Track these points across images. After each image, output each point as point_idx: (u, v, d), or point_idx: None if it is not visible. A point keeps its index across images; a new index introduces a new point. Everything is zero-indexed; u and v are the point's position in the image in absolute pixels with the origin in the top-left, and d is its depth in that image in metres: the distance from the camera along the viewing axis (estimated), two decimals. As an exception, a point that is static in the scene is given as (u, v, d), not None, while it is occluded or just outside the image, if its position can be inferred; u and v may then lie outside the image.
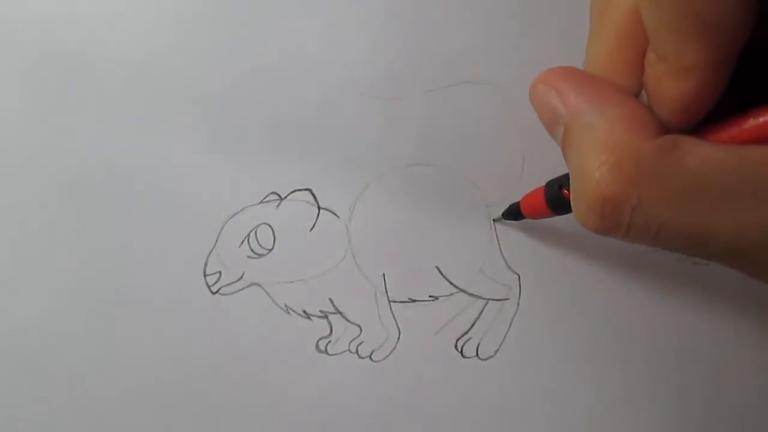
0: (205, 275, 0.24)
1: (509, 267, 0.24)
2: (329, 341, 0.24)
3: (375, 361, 0.24)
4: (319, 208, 0.25)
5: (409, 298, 0.24)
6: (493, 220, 0.25)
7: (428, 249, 0.24)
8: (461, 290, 0.24)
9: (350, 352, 0.24)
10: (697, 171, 0.16)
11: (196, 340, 0.24)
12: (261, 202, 0.25)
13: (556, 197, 0.21)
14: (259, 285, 0.24)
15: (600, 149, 0.18)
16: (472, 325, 0.24)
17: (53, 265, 0.24)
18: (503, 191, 0.25)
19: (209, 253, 0.24)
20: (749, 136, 0.17)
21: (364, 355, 0.24)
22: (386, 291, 0.24)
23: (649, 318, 0.24)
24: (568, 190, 0.19)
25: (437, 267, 0.24)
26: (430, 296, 0.24)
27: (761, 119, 0.17)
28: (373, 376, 0.24)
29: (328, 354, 0.24)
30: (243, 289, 0.24)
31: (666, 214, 0.17)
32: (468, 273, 0.24)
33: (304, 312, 0.24)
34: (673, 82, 0.17)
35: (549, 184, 0.22)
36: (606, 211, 0.17)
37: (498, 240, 0.25)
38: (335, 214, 0.25)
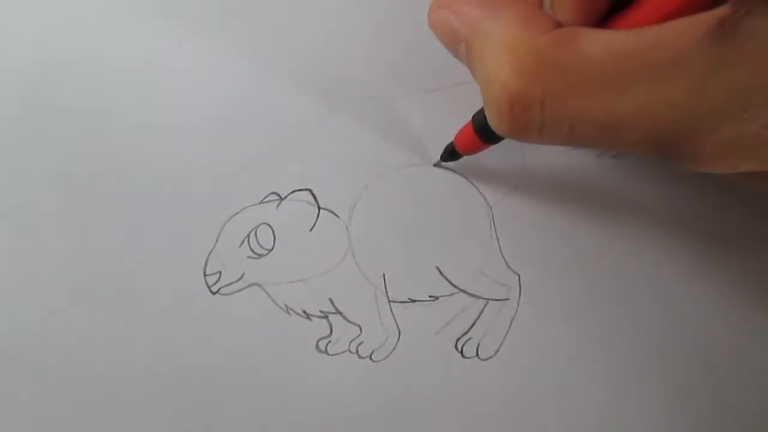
0: (205, 275, 0.24)
1: (509, 267, 0.24)
2: (329, 341, 0.24)
3: (375, 361, 0.24)
4: (319, 208, 0.25)
5: (409, 298, 0.24)
6: (434, 165, 0.25)
7: (428, 249, 0.24)
8: (461, 290, 0.24)
9: (350, 352, 0.24)
10: (598, 58, 0.16)
11: (196, 340, 0.24)
12: (261, 202, 0.25)
13: (483, 125, 0.21)
14: (259, 285, 0.24)
15: (499, 52, 0.17)
16: (472, 325, 0.24)
17: (53, 265, 0.24)
18: (503, 191, 0.25)
19: (209, 253, 0.24)
20: (644, 18, 0.17)
21: (364, 355, 0.24)
22: (386, 291, 0.24)
23: (650, 318, 0.24)
24: None
25: (437, 267, 0.24)
26: (430, 296, 0.24)
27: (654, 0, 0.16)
28: (373, 376, 0.24)
29: (328, 354, 0.24)
30: (243, 289, 0.24)
31: (575, 106, 0.17)
32: (468, 273, 0.24)
33: (304, 312, 0.24)
34: None
35: (475, 114, 0.22)
36: (516, 111, 0.17)
37: (498, 240, 0.25)
38: (335, 214, 0.25)
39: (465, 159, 0.25)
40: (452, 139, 0.24)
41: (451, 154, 0.24)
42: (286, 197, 0.25)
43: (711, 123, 0.16)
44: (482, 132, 0.22)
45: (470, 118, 0.22)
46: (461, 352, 0.24)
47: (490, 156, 0.25)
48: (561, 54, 0.16)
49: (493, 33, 0.18)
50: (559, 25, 0.18)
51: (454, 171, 0.25)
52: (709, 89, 0.15)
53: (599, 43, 0.16)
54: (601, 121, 0.16)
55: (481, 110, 0.21)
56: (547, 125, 0.17)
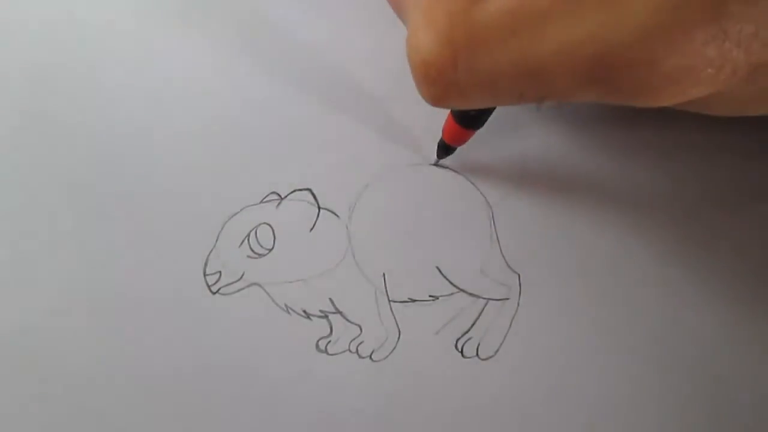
0: (205, 275, 0.24)
1: (509, 267, 0.24)
2: (329, 341, 0.24)
3: (375, 361, 0.24)
4: (319, 208, 0.25)
5: (409, 298, 0.24)
6: (432, 164, 0.25)
7: (428, 249, 0.24)
8: (461, 290, 0.24)
9: (350, 351, 0.24)
10: (509, 6, 0.15)
11: (196, 340, 0.24)
12: (261, 202, 0.25)
13: (458, 111, 0.21)
14: (259, 285, 0.24)
15: (418, 16, 0.17)
16: (472, 325, 0.24)
17: (53, 265, 0.24)
18: (503, 191, 0.25)
19: (209, 253, 0.24)
20: None
21: (364, 355, 0.24)
22: (386, 291, 0.24)
23: (651, 318, 0.24)
24: None
25: (437, 267, 0.24)
26: (430, 296, 0.24)
27: None
28: (373, 375, 0.24)
29: (328, 354, 0.24)
30: (243, 289, 0.24)
31: (490, 59, 0.16)
32: (468, 273, 0.24)
33: (304, 312, 0.24)
34: None
35: None
36: (432, 76, 0.17)
37: (498, 240, 0.25)
38: (335, 214, 0.25)
39: (465, 158, 0.25)
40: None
41: (443, 148, 0.24)
42: (286, 197, 0.25)
43: (643, 49, 0.15)
44: (460, 119, 0.22)
45: None
46: (461, 352, 0.24)
47: (490, 156, 0.25)
48: (472, 12, 0.16)
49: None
50: None
51: (455, 171, 0.25)
52: (632, 13, 0.14)
53: None
54: (523, 67, 0.16)
55: None
56: (466, 85, 0.17)
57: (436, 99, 0.17)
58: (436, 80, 0.17)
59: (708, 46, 0.15)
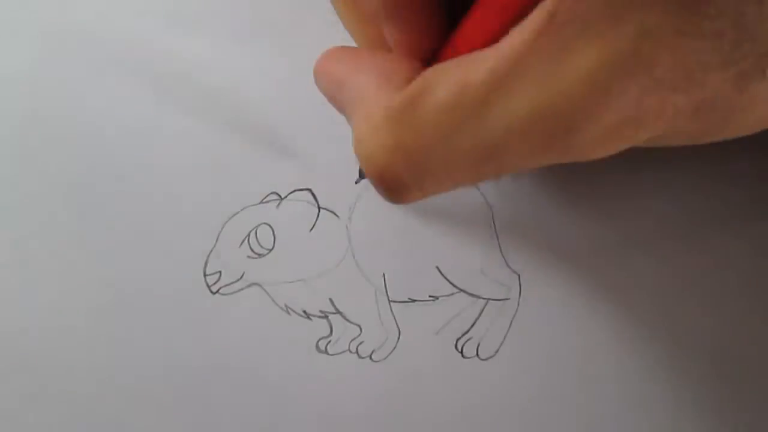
0: (205, 275, 0.24)
1: (509, 267, 0.24)
2: (329, 341, 0.24)
3: (375, 361, 0.24)
4: (319, 208, 0.25)
5: (409, 298, 0.24)
6: (355, 182, 0.25)
7: (428, 249, 0.24)
8: (461, 290, 0.24)
9: (350, 352, 0.24)
10: (449, 99, 0.16)
11: (196, 340, 0.24)
12: (261, 202, 0.25)
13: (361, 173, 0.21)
14: (259, 285, 0.24)
15: (359, 121, 0.17)
16: (472, 325, 0.24)
17: (53, 265, 0.24)
18: (503, 191, 0.25)
19: (209, 253, 0.24)
20: (482, 28, 0.17)
21: (364, 355, 0.24)
22: (386, 291, 0.24)
23: (651, 317, 0.24)
24: None
25: (437, 267, 0.24)
26: (430, 296, 0.24)
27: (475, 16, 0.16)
28: (373, 376, 0.24)
29: (328, 354, 0.24)
30: (243, 289, 0.24)
31: (442, 155, 0.16)
32: (468, 273, 0.24)
33: (304, 312, 0.24)
34: (367, 3, 0.17)
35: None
36: (387, 182, 0.17)
37: (498, 240, 0.25)
38: (335, 214, 0.25)
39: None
40: None
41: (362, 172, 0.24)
42: (286, 197, 0.25)
43: (586, 112, 0.15)
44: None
45: None
46: (461, 352, 0.24)
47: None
48: (413, 112, 0.16)
49: (352, 99, 0.18)
50: (417, 71, 0.17)
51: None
52: (568, 82, 0.15)
53: (446, 83, 0.16)
54: (476, 154, 0.16)
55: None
56: (423, 182, 0.17)
57: (396, 201, 0.18)
58: (393, 186, 0.17)
59: (645, 96, 0.15)
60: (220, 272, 0.24)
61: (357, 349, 0.24)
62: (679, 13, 0.15)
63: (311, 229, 0.25)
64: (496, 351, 0.24)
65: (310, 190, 0.25)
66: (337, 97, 0.19)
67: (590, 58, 0.15)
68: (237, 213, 0.25)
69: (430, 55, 0.18)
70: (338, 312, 0.24)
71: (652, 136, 0.17)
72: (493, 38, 0.16)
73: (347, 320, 0.24)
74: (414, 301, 0.24)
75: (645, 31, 0.15)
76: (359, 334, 0.24)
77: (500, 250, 0.25)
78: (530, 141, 0.16)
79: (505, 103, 0.15)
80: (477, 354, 0.24)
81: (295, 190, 0.25)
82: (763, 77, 0.16)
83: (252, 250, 0.24)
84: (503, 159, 0.16)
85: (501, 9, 0.16)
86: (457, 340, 0.24)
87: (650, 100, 0.15)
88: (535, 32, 0.15)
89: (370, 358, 0.24)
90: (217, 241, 0.24)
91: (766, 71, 0.15)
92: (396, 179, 0.17)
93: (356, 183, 0.24)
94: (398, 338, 0.24)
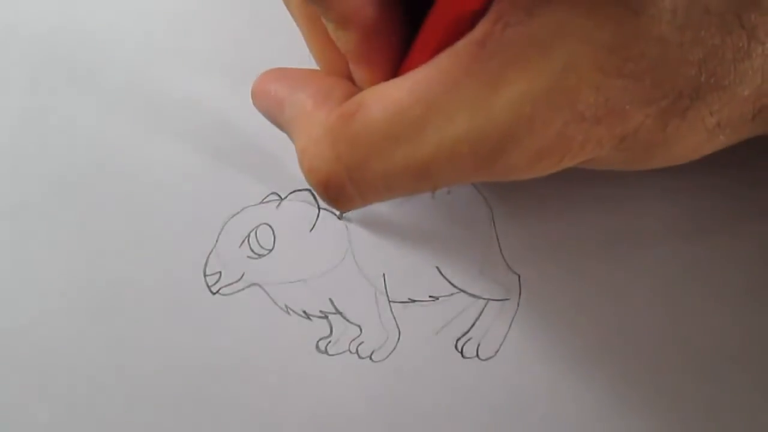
0: (205, 275, 0.24)
1: (509, 267, 0.24)
2: (329, 341, 0.24)
3: (375, 361, 0.24)
4: (319, 208, 0.25)
5: (409, 298, 0.24)
6: (338, 218, 0.25)
7: (428, 249, 0.24)
8: (461, 290, 0.24)
9: (350, 352, 0.24)
10: (383, 118, 0.17)
11: (196, 340, 0.24)
12: (261, 202, 0.25)
13: None
14: (259, 285, 0.24)
15: (302, 137, 0.18)
16: (472, 325, 0.24)
17: (53, 265, 0.24)
18: (503, 191, 0.25)
19: (209, 253, 0.24)
20: (417, 59, 0.17)
21: (364, 355, 0.24)
22: (386, 291, 0.24)
23: (651, 318, 0.24)
24: None
25: (437, 267, 0.24)
26: (430, 296, 0.24)
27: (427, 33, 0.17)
28: (373, 376, 0.24)
29: (328, 354, 0.24)
30: (243, 289, 0.24)
31: (379, 169, 0.17)
32: (468, 273, 0.24)
33: (304, 312, 0.24)
34: (341, 41, 0.18)
35: None
36: (331, 192, 0.18)
37: (498, 240, 0.25)
38: (335, 214, 0.25)
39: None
40: None
41: None
42: (286, 197, 0.25)
43: (512, 139, 0.16)
44: None
45: None
46: (461, 352, 0.24)
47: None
48: (351, 127, 0.17)
49: (293, 117, 0.19)
50: (355, 90, 0.18)
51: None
52: (495, 110, 0.16)
53: (382, 102, 0.17)
54: (410, 170, 0.17)
55: None
56: (365, 193, 0.18)
57: (341, 208, 0.19)
58: (337, 196, 0.18)
59: (568, 127, 0.16)
60: (220, 272, 0.24)
61: (357, 349, 0.24)
62: (606, 52, 0.15)
63: (311, 230, 0.25)
64: (496, 351, 0.24)
65: (310, 190, 0.25)
66: (277, 116, 0.20)
67: (517, 88, 0.16)
68: (237, 213, 0.25)
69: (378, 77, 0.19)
70: (338, 312, 0.24)
71: (582, 161, 0.17)
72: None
73: (347, 320, 0.24)
74: (414, 301, 0.24)
75: (570, 66, 0.15)
76: (359, 335, 0.24)
77: (500, 250, 0.25)
78: (459, 161, 0.17)
79: (436, 123, 0.16)
80: (477, 354, 0.24)
81: (295, 190, 0.25)
82: (683, 115, 0.16)
83: (252, 250, 0.24)
84: (435, 176, 0.17)
85: (442, 32, 0.16)
86: (457, 340, 0.24)
87: (573, 131, 0.16)
88: (468, 60, 0.16)
89: (370, 358, 0.24)
90: (217, 241, 0.24)
91: (687, 110, 0.16)
92: (338, 188, 0.18)
93: (339, 219, 0.25)
94: (398, 338, 0.24)
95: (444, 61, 0.16)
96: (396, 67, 0.18)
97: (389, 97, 0.17)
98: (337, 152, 0.17)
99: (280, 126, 0.20)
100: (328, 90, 0.18)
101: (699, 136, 0.17)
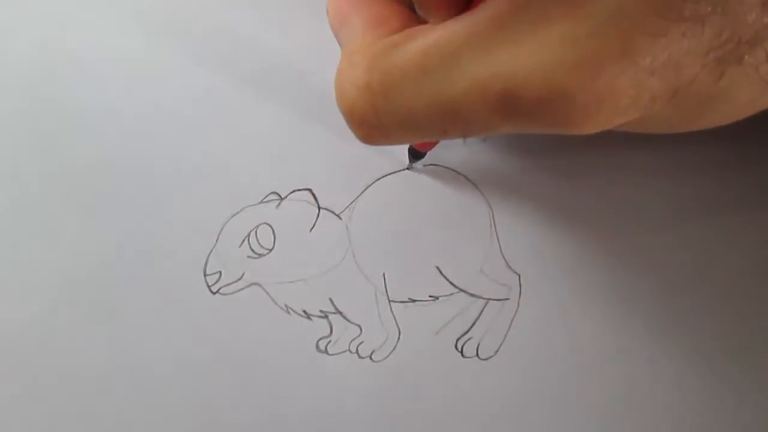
0: (205, 275, 0.24)
1: (509, 267, 0.24)
2: (329, 341, 0.24)
3: (375, 361, 0.24)
4: (319, 208, 0.25)
5: (409, 298, 0.24)
6: (406, 168, 0.25)
7: (428, 249, 0.24)
8: (461, 290, 0.24)
9: (350, 352, 0.24)
10: (422, 49, 0.16)
11: (196, 340, 0.24)
12: (261, 202, 0.25)
13: None
14: (259, 285, 0.24)
15: (344, 56, 0.18)
16: (472, 325, 0.24)
17: (53, 265, 0.24)
18: (503, 191, 0.25)
19: (209, 253, 0.24)
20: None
21: (364, 355, 0.24)
22: (386, 291, 0.24)
23: (651, 318, 0.24)
24: None
25: (437, 267, 0.24)
26: (430, 296, 0.24)
27: None
28: (373, 376, 0.24)
29: (328, 354, 0.24)
30: (243, 289, 0.24)
31: (405, 101, 0.16)
32: (468, 273, 0.24)
33: (304, 312, 0.24)
34: None
35: None
36: (355, 119, 0.17)
37: (498, 240, 0.25)
38: (335, 214, 0.25)
39: (465, 158, 0.25)
40: None
41: (413, 153, 0.24)
42: (286, 197, 0.25)
43: (551, 86, 0.15)
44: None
45: None
46: (461, 352, 0.24)
47: (490, 156, 0.25)
48: (389, 57, 0.17)
49: (347, 36, 0.18)
50: (408, 25, 0.18)
51: (455, 171, 0.25)
52: (532, 51, 0.15)
53: (425, 37, 0.16)
54: (438, 106, 0.16)
55: None
56: (389, 126, 0.17)
57: (363, 139, 0.18)
58: (361, 124, 0.18)
59: (620, 78, 0.15)
60: (220, 272, 0.24)
61: (357, 349, 0.24)
62: None
63: (311, 229, 0.25)
64: (496, 351, 0.24)
65: (310, 190, 0.25)
66: (337, 33, 0.20)
67: (561, 29, 0.15)
68: (237, 213, 0.25)
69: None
70: (338, 312, 0.24)
71: (629, 120, 0.16)
72: None
73: (347, 320, 0.24)
74: (414, 301, 0.24)
75: (622, 11, 0.14)
76: (359, 334, 0.24)
77: (500, 250, 0.25)
78: (491, 107, 0.16)
79: (472, 63, 0.15)
80: (477, 354, 0.24)
81: (295, 190, 0.25)
82: (739, 64, 0.15)
83: (252, 250, 0.24)
84: (464, 118, 0.16)
85: None
86: (457, 340, 0.24)
87: (625, 82, 0.15)
88: (512, 3, 0.15)
89: (370, 358, 0.24)
90: (217, 241, 0.24)
91: (743, 58, 0.15)
92: (364, 117, 0.17)
93: (406, 168, 0.25)
94: (398, 338, 0.24)
95: (493, 1, 0.16)
96: (461, 9, 0.18)
97: (433, 34, 0.16)
98: (368, 79, 0.17)
99: (339, 43, 0.20)
100: (385, 17, 0.18)
101: (754, 87, 0.16)
